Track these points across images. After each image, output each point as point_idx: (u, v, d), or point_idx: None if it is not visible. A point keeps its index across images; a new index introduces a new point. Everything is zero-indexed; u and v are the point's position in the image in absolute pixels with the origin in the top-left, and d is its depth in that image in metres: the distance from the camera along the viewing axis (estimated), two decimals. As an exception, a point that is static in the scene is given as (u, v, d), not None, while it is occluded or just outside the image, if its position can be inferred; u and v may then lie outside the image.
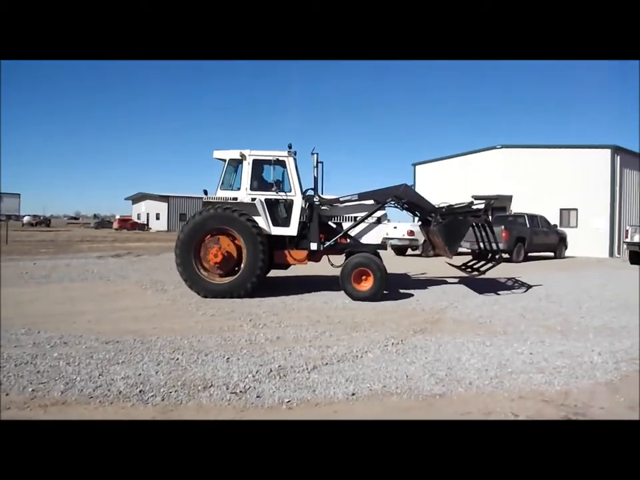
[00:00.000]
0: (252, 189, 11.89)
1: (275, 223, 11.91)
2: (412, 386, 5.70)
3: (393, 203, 12.90)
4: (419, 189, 35.73)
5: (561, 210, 30.85)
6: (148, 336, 7.69)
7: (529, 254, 24.70)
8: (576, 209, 30.46)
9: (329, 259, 12.82)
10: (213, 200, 11.83)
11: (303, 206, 12.02)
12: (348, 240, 12.53)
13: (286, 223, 11.95)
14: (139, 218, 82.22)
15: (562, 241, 27.25)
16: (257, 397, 5.30)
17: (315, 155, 12.09)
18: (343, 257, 12.63)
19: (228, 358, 6.64)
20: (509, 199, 32.25)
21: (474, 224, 13.00)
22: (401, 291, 12.93)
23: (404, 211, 13.75)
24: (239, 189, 12.01)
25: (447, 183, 34.94)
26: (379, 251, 12.68)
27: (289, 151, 11.87)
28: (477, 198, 14.20)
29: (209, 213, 11.44)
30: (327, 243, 12.24)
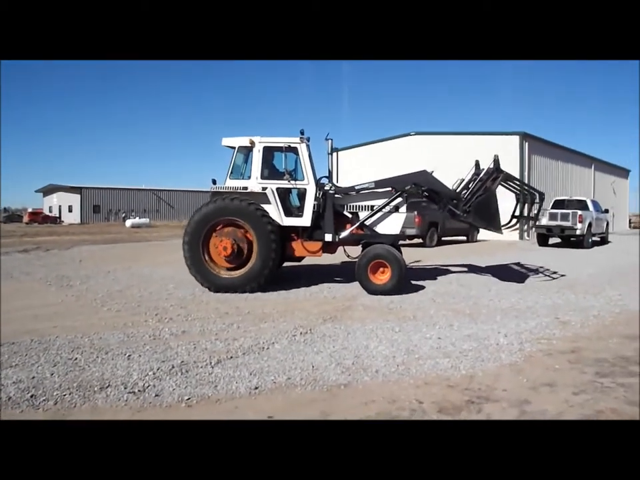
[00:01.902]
0: (263, 177, 11.42)
1: (288, 213, 11.41)
2: (317, 377, 5.67)
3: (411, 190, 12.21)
4: (340, 174, 35.99)
5: (473, 194, 31.58)
6: (47, 335, 7.33)
7: (442, 238, 25.26)
8: (487, 194, 31.26)
9: (344, 250, 12.41)
10: (221, 190, 11.33)
11: (317, 195, 11.54)
12: (364, 230, 11.96)
13: (299, 213, 11.46)
14: (50, 211, 79.12)
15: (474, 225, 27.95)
16: (156, 395, 5.14)
17: (330, 141, 11.77)
18: (359, 247, 12.14)
19: (129, 355, 6.40)
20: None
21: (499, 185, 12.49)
22: (314, 280, 12.72)
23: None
24: (249, 177, 11.52)
25: (365, 168, 35.26)
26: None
27: (301, 137, 11.35)
28: None
29: (217, 203, 10.96)
30: (342, 234, 11.72)
